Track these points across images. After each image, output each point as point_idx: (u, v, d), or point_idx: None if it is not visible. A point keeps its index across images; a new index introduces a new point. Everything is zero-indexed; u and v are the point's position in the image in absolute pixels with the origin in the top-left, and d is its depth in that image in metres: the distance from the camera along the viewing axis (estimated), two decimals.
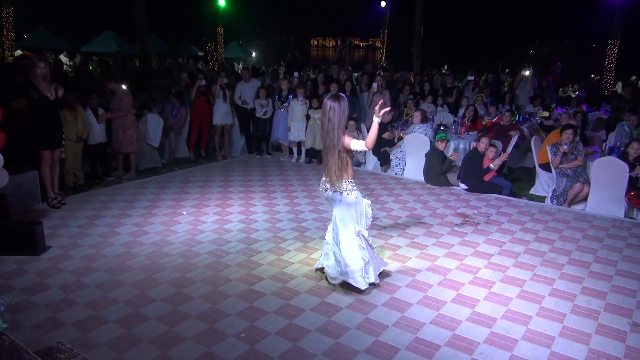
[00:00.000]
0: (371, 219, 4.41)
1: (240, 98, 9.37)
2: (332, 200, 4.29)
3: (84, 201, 6.59)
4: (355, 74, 14.41)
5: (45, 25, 22.87)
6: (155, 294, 4.20)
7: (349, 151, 4.15)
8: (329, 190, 4.25)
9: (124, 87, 7.83)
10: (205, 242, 5.34)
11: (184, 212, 6.22)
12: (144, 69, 11.99)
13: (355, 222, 4.24)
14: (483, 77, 14.33)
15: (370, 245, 4.37)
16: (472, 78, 12.39)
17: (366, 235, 4.32)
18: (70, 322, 3.76)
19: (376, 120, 4.05)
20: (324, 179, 4.29)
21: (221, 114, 9.11)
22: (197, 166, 8.80)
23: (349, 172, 4.17)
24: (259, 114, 9.25)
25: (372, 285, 4.35)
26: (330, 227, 4.46)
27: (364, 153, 8.77)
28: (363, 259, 4.21)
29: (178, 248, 5.16)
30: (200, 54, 24.71)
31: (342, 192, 4.16)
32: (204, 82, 9.19)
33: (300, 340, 3.59)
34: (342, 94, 4.23)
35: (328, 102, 4.07)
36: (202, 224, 5.85)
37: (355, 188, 4.21)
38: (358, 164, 8.92)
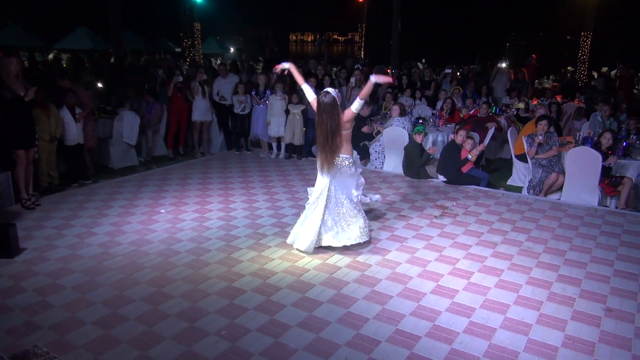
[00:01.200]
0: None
1: (218, 94, 9.29)
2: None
3: (59, 201, 6.47)
4: (335, 69, 14.40)
5: (17, 22, 22.29)
6: (134, 294, 4.15)
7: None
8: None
9: (100, 85, 7.68)
10: (184, 240, 5.29)
11: (162, 211, 6.15)
12: (118, 66, 11.78)
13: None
14: (459, 70, 14.44)
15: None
16: (450, 71, 12.49)
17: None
18: (46, 325, 3.69)
19: (372, 79, 4.87)
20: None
21: (200, 110, 9.01)
22: (176, 164, 8.71)
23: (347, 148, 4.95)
24: (237, 110, 9.18)
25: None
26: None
27: None
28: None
29: (157, 247, 5.10)
30: (178, 50, 24.40)
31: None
32: (180, 78, 9.08)
33: (282, 336, 3.59)
34: (328, 90, 4.87)
35: (321, 100, 4.77)
36: (181, 222, 5.80)
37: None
38: None
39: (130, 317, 3.81)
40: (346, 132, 4.93)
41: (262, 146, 9.49)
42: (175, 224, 5.75)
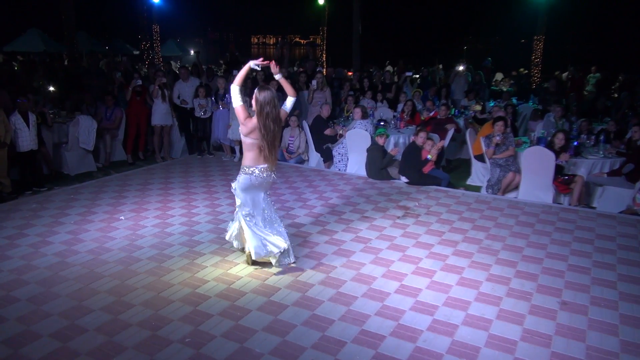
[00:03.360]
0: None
1: (179, 98, 9.14)
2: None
3: (11, 210, 6.20)
4: (294, 69, 14.42)
5: None
6: (93, 304, 4.02)
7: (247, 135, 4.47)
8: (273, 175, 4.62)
9: (51, 89, 7.41)
10: (145, 247, 5.17)
11: (121, 217, 5.99)
12: (73, 68, 11.42)
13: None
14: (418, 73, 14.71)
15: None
16: (410, 74, 12.72)
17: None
18: None
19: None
20: (266, 166, 4.53)
21: (160, 114, 8.85)
22: (136, 169, 8.50)
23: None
24: (198, 113, 9.06)
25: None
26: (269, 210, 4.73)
27: (306, 151, 8.84)
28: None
29: (116, 255, 4.96)
30: (136, 52, 23.85)
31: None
32: (139, 81, 8.88)
33: (247, 341, 3.56)
34: (268, 86, 4.47)
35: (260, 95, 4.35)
36: (142, 229, 5.66)
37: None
38: (301, 161, 8.93)
39: (89, 328, 3.69)
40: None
41: (225, 150, 9.39)
42: (136, 230, 5.61)
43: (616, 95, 13.59)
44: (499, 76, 16.66)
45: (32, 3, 24.16)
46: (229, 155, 9.29)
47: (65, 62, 13.04)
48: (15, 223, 5.77)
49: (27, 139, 6.89)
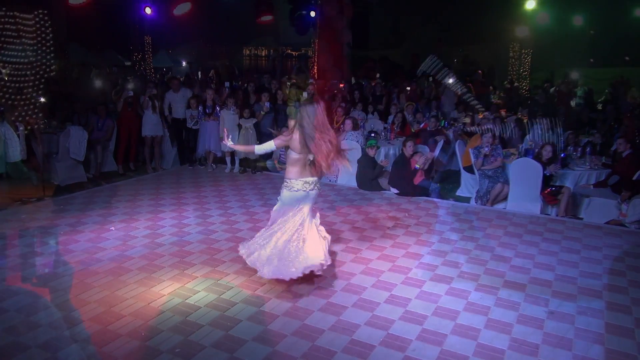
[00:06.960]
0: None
1: (169, 109, 9.16)
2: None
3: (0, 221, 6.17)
4: (289, 83, 14.50)
5: None
6: (82, 314, 4.01)
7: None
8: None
9: (42, 100, 7.40)
10: (136, 257, 5.16)
11: (112, 228, 5.98)
12: (63, 79, 11.40)
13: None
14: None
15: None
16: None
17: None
18: None
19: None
20: (312, 179, 4.79)
21: (151, 125, 8.86)
22: (126, 179, 8.49)
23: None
24: (190, 124, 9.08)
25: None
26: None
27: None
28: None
29: (106, 265, 4.95)
30: (127, 63, 23.84)
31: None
32: (131, 92, 8.90)
33: (237, 351, 3.56)
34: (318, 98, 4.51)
35: (302, 109, 4.47)
36: (132, 239, 5.65)
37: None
38: None
39: (78, 338, 3.67)
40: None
41: (208, 160, 9.31)
42: (126, 241, 5.60)
43: (601, 107, 13.81)
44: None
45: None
46: (211, 166, 9.23)
47: (55, 73, 12.99)
48: (4, 234, 5.73)
49: (16, 149, 6.87)
